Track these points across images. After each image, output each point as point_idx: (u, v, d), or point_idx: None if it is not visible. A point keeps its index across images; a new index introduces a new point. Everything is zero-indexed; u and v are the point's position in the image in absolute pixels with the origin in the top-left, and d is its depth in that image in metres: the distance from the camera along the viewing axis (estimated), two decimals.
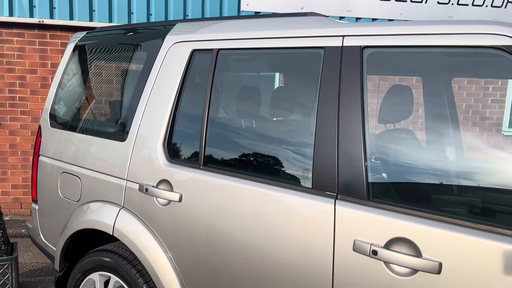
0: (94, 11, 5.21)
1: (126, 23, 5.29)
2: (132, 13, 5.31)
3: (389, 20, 5.60)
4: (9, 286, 3.25)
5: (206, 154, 1.90)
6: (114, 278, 2.16)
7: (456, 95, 6.00)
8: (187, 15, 5.38)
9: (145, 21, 5.36)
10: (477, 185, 1.39)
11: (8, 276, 3.24)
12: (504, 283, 1.20)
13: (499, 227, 1.25)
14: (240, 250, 1.71)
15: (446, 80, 2.10)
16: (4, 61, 5.25)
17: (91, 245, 2.51)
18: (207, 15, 5.42)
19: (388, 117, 1.94)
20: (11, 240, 4.56)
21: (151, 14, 5.33)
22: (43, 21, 5.09)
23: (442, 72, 1.59)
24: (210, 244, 1.80)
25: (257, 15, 1.98)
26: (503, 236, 1.23)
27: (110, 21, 5.25)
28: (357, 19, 5.58)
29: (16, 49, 5.25)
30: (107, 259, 2.16)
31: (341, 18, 5.59)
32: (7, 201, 5.49)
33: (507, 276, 1.20)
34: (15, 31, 5.21)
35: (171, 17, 5.36)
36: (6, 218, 5.36)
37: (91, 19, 5.22)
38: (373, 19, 5.59)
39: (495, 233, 1.24)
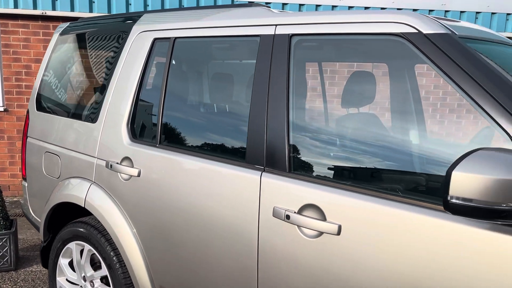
0: (94, 2, 5.44)
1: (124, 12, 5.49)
2: (130, 4, 5.52)
3: (381, 8, 5.67)
4: (7, 259, 3.55)
5: (161, 134, 2.10)
6: (87, 247, 2.40)
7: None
8: (182, 5, 5.56)
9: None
10: (371, 157, 1.54)
11: (7, 249, 3.53)
12: (392, 242, 1.36)
13: (389, 193, 1.42)
14: (186, 216, 1.91)
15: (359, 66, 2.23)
16: (11, 51, 5.55)
17: (72, 219, 2.75)
18: (203, 4, 5.59)
19: (351, 101, 2.10)
20: (18, 219, 4.88)
21: (148, 5, 5.54)
22: (45, 13, 5.35)
23: (355, 58, 1.73)
24: (162, 212, 2.00)
25: (210, 5, 2.16)
26: (391, 201, 1.39)
27: (109, 11, 5.47)
28: (349, 7, 5.67)
29: (22, 39, 5.53)
30: (81, 230, 2.40)
31: (333, 7, 5.69)
32: (16, 183, 5.83)
33: (395, 236, 1.36)
34: (20, 22, 5.49)
35: (167, 7, 5.55)
36: (15, 199, 5.70)
37: (91, 10, 5.45)
38: (365, 7, 5.66)
39: (385, 199, 1.41)
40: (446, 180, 1.09)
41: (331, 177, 1.56)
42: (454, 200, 1.08)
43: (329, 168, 1.59)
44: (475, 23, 6.00)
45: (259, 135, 1.73)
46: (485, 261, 1.18)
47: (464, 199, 1.06)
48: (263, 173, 1.70)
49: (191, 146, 1.99)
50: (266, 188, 1.66)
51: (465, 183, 1.06)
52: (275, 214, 1.62)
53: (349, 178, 1.53)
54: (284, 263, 1.61)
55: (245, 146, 1.79)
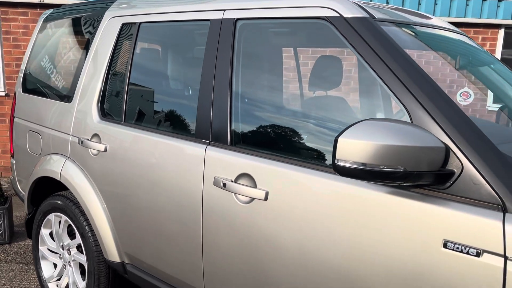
0: None
1: None
2: None
3: None
4: (1, 233, 3.78)
5: (126, 112, 2.26)
6: (64, 218, 2.60)
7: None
8: None
9: None
10: (296, 132, 1.68)
11: (1, 223, 3.77)
12: (311, 205, 1.51)
13: (308, 162, 1.57)
14: (144, 187, 2.08)
15: (287, 50, 2.34)
16: (11, 38, 5.76)
17: (53, 193, 2.95)
18: None
19: (317, 84, 2.25)
20: (18, 198, 5.13)
21: None
22: (43, 1, 5.54)
23: (290, 42, 1.86)
24: (124, 183, 2.18)
25: None
26: (309, 169, 1.54)
27: None
28: None
29: (21, 26, 5.74)
30: (59, 202, 2.59)
31: None
32: None
33: (313, 199, 1.51)
34: (19, 10, 5.69)
35: None
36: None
37: None
38: None
39: (304, 167, 1.56)
40: (334, 145, 1.24)
41: (263, 149, 1.71)
42: (339, 163, 1.22)
43: (262, 142, 1.74)
44: (434, 8, 5.90)
45: (206, 113, 1.89)
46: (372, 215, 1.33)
47: (347, 162, 1.21)
48: (208, 146, 1.85)
49: (150, 123, 2.15)
50: (209, 160, 1.82)
51: (348, 148, 1.21)
52: (215, 183, 1.78)
53: (277, 149, 1.68)
54: (223, 226, 1.77)
55: (195, 123, 1.95)
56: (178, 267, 2.01)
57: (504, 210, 1.18)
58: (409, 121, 1.35)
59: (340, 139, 1.22)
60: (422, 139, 1.21)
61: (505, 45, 6.05)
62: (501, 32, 5.96)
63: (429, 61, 1.91)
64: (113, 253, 2.33)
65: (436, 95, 1.34)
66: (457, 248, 1.21)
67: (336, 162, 1.23)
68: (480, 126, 1.32)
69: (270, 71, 1.93)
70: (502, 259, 1.15)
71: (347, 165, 1.21)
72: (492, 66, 2.07)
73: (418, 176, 1.21)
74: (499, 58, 5.96)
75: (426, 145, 1.21)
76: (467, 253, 1.19)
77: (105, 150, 2.28)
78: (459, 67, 2.02)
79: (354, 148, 1.20)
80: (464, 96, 2.02)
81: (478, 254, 1.18)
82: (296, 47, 2.44)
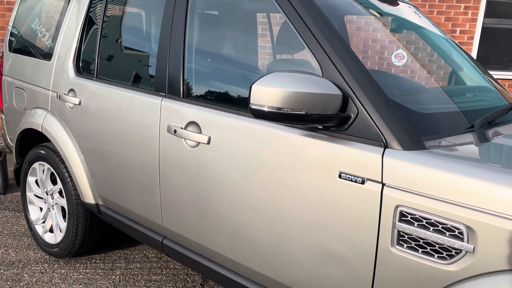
0: None
1: None
2: None
3: None
4: None
5: (98, 69, 2.50)
6: (47, 166, 2.88)
7: None
8: None
9: None
10: (234, 84, 1.91)
11: None
12: (244, 147, 1.77)
13: (244, 111, 1.81)
14: (111, 135, 2.35)
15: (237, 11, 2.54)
16: (5, 1, 5.91)
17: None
18: None
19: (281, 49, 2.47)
20: None
21: None
22: None
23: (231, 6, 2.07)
24: (96, 132, 2.44)
25: None
26: (243, 117, 1.78)
27: None
28: None
29: None
30: (42, 152, 2.87)
31: None
32: None
33: (245, 141, 1.76)
34: None
35: None
36: None
37: None
38: None
39: (239, 115, 1.80)
40: (249, 92, 1.48)
41: (209, 101, 1.96)
42: (253, 107, 1.47)
43: (208, 95, 1.98)
44: None
45: (163, 69, 2.12)
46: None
47: (259, 106, 1.45)
48: (164, 98, 2.10)
49: (118, 78, 2.39)
50: (164, 110, 2.07)
51: (259, 95, 1.45)
52: (168, 130, 2.03)
53: (221, 101, 1.92)
54: (176, 168, 2.04)
55: (153, 78, 2.18)
56: (141, 206, 2.30)
57: (386, 147, 1.43)
58: (321, 73, 1.59)
59: (253, 87, 1.46)
60: (322, 87, 1.45)
61: (487, 15, 6.16)
62: (483, 1, 6.06)
63: (366, 25, 2.11)
64: (88, 196, 2.62)
65: (342, 52, 1.57)
66: (348, 177, 1.47)
67: (251, 106, 1.47)
68: (386, 79, 1.55)
69: (220, 30, 2.14)
70: (380, 185, 1.41)
71: (258, 108, 1.45)
72: (424, 31, 2.28)
73: (320, 119, 1.46)
74: (481, 27, 6.08)
75: (325, 92, 1.44)
76: (355, 181, 1.45)
77: (80, 104, 2.52)
78: (394, 30, 2.23)
79: (264, 94, 1.44)
80: (398, 57, 2.24)
81: (363, 182, 1.44)
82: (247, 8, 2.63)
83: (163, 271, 2.87)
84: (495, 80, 2.31)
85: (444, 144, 1.47)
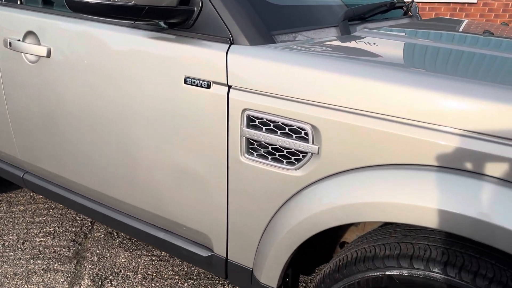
0: None
1: None
2: None
3: None
4: None
5: None
6: None
7: None
8: None
9: None
10: None
11: None
12: (89, 56, 1.50)
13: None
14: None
15: None
16: None
17: None
18: None
19: None
20: None
21: None
22: None
23: None
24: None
25: None
26: (89, 21, 1.50)
27: None
28: None
29: None
30: None
31: None
32: None
33: (90, 50, 1.50)
34: None
35: None
36: None
37: None
38: None
39: (81, 19, 1.52)
40: None
41: (48, 4, 1.64)
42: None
43: None
44: None
45: None
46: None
47: None
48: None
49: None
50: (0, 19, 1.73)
51: None
52: (4, 43, 1.70)
53: (58, 4, 1.61)
54: (19, 90, 1.74)
55: None
56: None
57: (232, 43, 1.23)
58: None
59: None
60: None
61: None
62: None
63: None
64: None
65: None
66: (194, 82, 1.27)
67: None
68: None
69: None
70: (226, 88, 1.23)
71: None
72: None
73: (157, 13, 1.22)
74: None
75: None
76: (201, 86, 1.26)
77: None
78: None
79: None
80: None
81: (208, 86, 1.25)
82: None
83: (49, 211, 2.63)
84: None
85: (300, 38, 1.30)
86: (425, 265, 0.97)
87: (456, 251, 0.97)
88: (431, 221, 0.96)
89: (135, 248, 2.23)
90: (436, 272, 0.96)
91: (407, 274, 1.00)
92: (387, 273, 1.03)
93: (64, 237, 2.32)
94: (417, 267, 0.99)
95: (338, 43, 1.30)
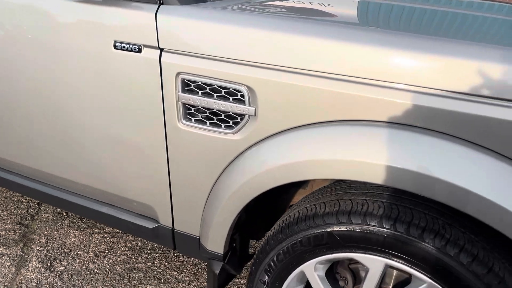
0: None
1: None
2: None
3: None
4: None
5: None
6: None
7: None
8: None
9: None
10: None
11: None
12: (17, 29, 1.39)
13: None
14: None
15: None
16: None
17: None
18: None
19: None
20: None
21: None
22: None
23: None
24: None
25: None
26: None
27: None
28: None
29: None
30: None
31: None
32: None
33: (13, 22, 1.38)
34: None
35: None
36: None
37: None
38: None
39: None
40: None
41: None
42: None
43: None
44: None
45: None
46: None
47: None
48: None
49: None
50: None
51: None
52: None
53: None
54: None
55: None
56: None
57: (161, 3, 1.17)
58: None
59: None
60: None
61: None
62: None
63: None
64: None
65: None
66: (124, 47, 1.20)
67: None
68: None
69: None
70: (158, 51, 1.17)
71: None
72: None
73: None
74: None
75: None
76: (131, 50, 1.19)
77: None
78: None
79: None
80: None
81: (139, 50, 1.18)
82: None
83: None
84: None
85: None
86: (363, 219, 0.98)
87: (392, 203, 0.98)
88: (369, 176, 0.96)
89: (86, 226, 2.16)
90: (373, 225, 0.97)
91: (346, 229, 1.00)
92: (328, 230, 1.03)
93: (9, 220, 2.22)
94: (355, 222, 0.99)
95: (271, 1, 1.26)
